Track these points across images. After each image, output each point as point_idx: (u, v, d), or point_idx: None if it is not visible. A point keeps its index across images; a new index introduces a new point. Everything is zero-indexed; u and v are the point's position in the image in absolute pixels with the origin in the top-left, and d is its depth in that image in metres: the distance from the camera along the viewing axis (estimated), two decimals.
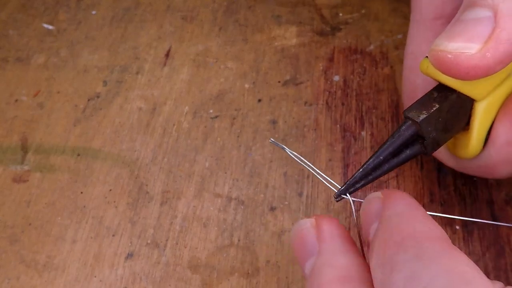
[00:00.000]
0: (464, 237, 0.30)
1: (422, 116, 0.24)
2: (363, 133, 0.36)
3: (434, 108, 0.24)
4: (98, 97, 0.41)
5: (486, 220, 0.30)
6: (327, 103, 0.38)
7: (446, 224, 0.31)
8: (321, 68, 0.40)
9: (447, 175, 0.33)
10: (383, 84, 0.38)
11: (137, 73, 0.42)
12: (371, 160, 0.24)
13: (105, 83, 0.41)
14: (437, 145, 0.26)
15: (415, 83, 0.29)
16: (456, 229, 0.31)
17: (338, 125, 0.36)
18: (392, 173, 0.33)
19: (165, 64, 0.42)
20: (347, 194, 0.24)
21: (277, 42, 0.42)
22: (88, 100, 0.40)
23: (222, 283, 0.30)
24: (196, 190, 0.34)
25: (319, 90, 0.39)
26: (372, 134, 0.36)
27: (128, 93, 0.40)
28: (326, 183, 0.25)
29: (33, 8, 0.48)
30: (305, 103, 0.38)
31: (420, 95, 0.27)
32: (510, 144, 0.26)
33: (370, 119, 0.36)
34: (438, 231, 0.20)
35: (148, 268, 0.31)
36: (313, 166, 0.26)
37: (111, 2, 0.47)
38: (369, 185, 0.30)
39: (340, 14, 0.43)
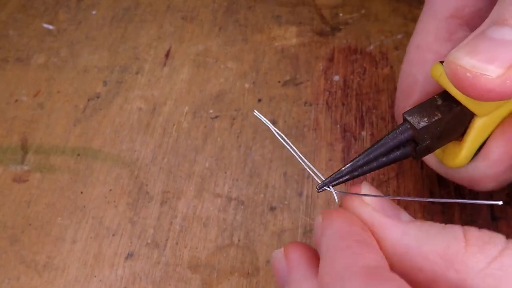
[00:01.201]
0: None
1: (422, 124, 0.24)
2: (363, 133, 0.36)
3: (436, 118, 0.24)
4: (98, 97, 0.41)
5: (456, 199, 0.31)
6: (327, 103, 0.38)
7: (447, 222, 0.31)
8: (321, 68, 0.40)
9: None
10: (383, 84, 0.38)
11: (137, 73, 0.42)
12: (361, 157, 0.24)
13: (105, 83, 0.41)
14: (428, 151, 0.25)
15: (415, 78, 0.29)
16: None
17: (338, 125, 0.36)
18: (392, 173, 0.33)
19: (165, 64, 0.42)
20: (330, 187, 0.24)
21: (277, 42, 0.42)
22: (88, 100, 0.40)
23: (222, 283, 0.30)
24: (196, 190, 0.34)
25: (319, 90, 0.39)
26: (372, 134, 0.36)
27: (128, 93, 0.40)
28: (311, 173, 0.25)
29: (33, 8, 0.48)
30: (305, 103, 0.38)
31: (417, 91, 0.27)
32: (501, 162, 0.26)
33: (370, 119, 0.36)
34: (368, 258, 0.20)
35: (148, 268, 0.31)
36: (299, 153, 0.26)
37: (111, 2, 0.47)
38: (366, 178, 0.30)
39: (340, 14, 0.43)
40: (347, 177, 0.24)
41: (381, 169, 0.34)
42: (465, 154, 0.26)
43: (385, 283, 0.19)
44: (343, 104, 0.37)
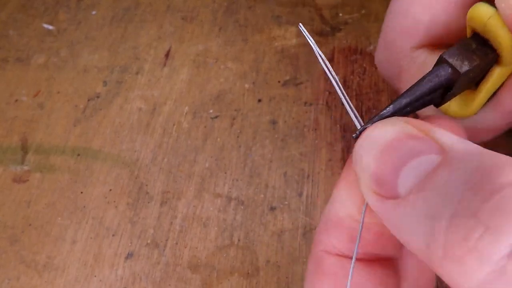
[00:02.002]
0: None
1: (465, 68, 0.22)
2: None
3: (476, 63, 0.22)
4: (98, 97, 0.41)
5: None
6: (327, 103, 0.38)
7: None
8: (321, 68, 0.40)
9: None
10: (383, 84, 0.38)
11: (137, 73, 0.42)
12: (403, 98, 0.21)
13: (105, 83, 0.41)
14: (449, 99, 0.24)
15: (418, 19, 0.26)
16: None
17: (338, 125, 0.36)
18: None
19: (165, 64, 0.42)
20: None
21: (277, 42, 0.42)
22: (88, 100, 0.40)
23: (222, 283, 0.30)
24: (196, 190, 0.34)
25: (319, 90, 0.39)
26: None
27: (128, 93, 0.40)
28: (352, 115, 0.22)
29: (33, 8, 0.48)
30: (305, 103, 0.38)
31: (422, 33, 0.25)
32: (510, 114, 0.25)
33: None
34: None
35: (148, 268, 0.31)
36: (342, 89, 0.22)
37: (111, 2, 0.47)
38: None
39: (340, 14, 0.43)
40: None
41: None
42: (478, 103, 0.25)
43: None
44: (343, 104, 0.37)
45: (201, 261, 0.31)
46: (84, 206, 0.35)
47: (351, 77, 0.39)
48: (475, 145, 0.16)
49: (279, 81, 0.40)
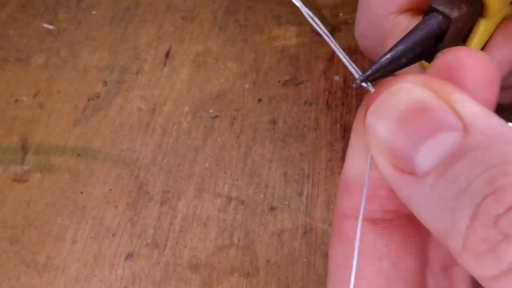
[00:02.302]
0: None
1: (455, 14, 0.22)
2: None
3: (464, 10, 0.23)
4: (98, 97, 0.41)
5: None
6: (327, 103, 0.38)
7: None
8: (321, 68, 0.40)
9: None
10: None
11: (137, 73, 0.42)
12: (400, 45, 0.21)
13: (105, 83, 0.41)
14: (438, 51, 0.24)
15: None
16: None
17: (338, 125, 0.36)
18: None
19: (165, 64, 0.42)
20: (368, 83, 0.20)
21: (277, 42, 0.42)
22: (88, 100, 0.40)
23: (222, 283, 0.30)
24: (196, 190, 0.34)
25: (319, 90, 0.39)
26: None
27: (128, 93, 0.40)
28: (349, 66, 0.22)
29: (33, 8, 0.48)
30: (305, 103, 0.38)
31: None
32: (502, 67, 0.25)
33: None
34: None
35: (148, 268, 0.31)
36: (336, 44, 0.22)
37: (111, 2, 0.47)
38: None
39: (340, 14, 0.43)
40: (383, 71, 0.20)
41: None
42: None
43: None
44: (343, 104, 0.37)
45: (201, 261, 0.31)
46: (84, 206, 0.35)
47: (351, 77, 0.39)
48: (498, 120, 0.15)
49: (279, 81, 0.40)
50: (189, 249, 0.32)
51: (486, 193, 0.14)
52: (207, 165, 0.36)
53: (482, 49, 0.26)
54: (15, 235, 0.34)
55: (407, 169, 0.16)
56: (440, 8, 0.22)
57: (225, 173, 0.35)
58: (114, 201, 0.35)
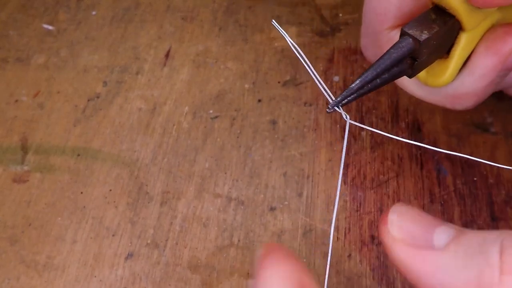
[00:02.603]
0: None
1: (424, 36, 0.24)
2: (363, 133, 0.36)
3: (435, 30, 0.24)
4: (98, 97, 0.41)
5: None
6: (327, 103, 0.38)
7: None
8: (321, 68, 0.40)
9: (447, 175, 0.33)
10: None
11: (137, 73, 0.42)
12: (369, 72, 0.24)
13: (105, 83, 0.41)
14: (421, 68, 0.26)
15: (390, 2, 0.28)
16: None
17: (338, 125, 0.36)
18: (392, 173, 0.33)
19: (165, 64, 0.42)
20: (340, 107, 0.24)
21: (277, 43, 0.42)
22: (88, 100, 0.40)
23: (222, 283, 0.30)
24: (196, 190, 0.35)
25: (319, 90, 0.39)
26: (372, 135, 0.36)
27: (128, 93, 0.40)
28: (323, 90, 0.25)
29: (33, 8, 0.48)
30: (305, 103, 0.38)
31: (393, 13, 0.27)
32: (486, 76, 0.26)
33: (370, 120, 0.36)
34: None
35: (148, 268, 0.31)
36: (311, 67, 0.25)
37: (111, 2, 0.47)
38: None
39: (340, 15, 0.43)
40: (356, 94, 0.24)
41: (380, 170, 0.34)
42: (452, 70, 0.26)
43: None
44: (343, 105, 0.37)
45: (201, 261, 0.31)
46: (84, 206, 0.35)
47: (351, 77, 0.39)
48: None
49: (279, 81, 0.40)
50: (189, 249, 0.32)
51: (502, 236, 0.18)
52: (207, 165, 0.36)
53: (467, 60, 0.27)
54: (15, 235, 0.34)
55: (426, 246, 0.20)
56: (410, 32, 0.24)
57: (225, 173, 0.35)
58: (114, 201, 0.35)
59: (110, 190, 0.35)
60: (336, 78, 0.39)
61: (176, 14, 0.46)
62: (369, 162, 0.34)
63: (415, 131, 0.35)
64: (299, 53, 0.25)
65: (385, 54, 0.24)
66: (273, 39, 0.42)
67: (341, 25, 0.42)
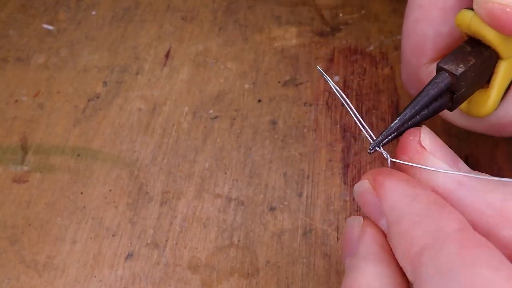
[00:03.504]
0: None
1: (460, 70, 0.24)
2: (363, 133, 0.36)
3: (471, 63, 0.24)
4: (98, 97, 0.41)
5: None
6: (327, 103, 0.38)
7: None
8: (321, 68, 0.40)
9: None
10: (383, 84, 0.38)
11: (137, 73, 0.42)
12: (407, 110, 0.24)
13: (105, 83, 0.41)
14: (461, 101, 0.25)
15: (424, 35, 0.28)
16: None
17: (338, 126, 0.36)
18: None
19: (165, 64, 0.42)
20: (381, 147, 0.24)
21: (277, 43, 0.42)
22: (88, 100, 0.40)
23: (222, 283, 0.30)
24: (196, 190, 0.34)
25: (319, 90, 0.39)
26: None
27: (128, 93, 0.40)
28: (364, 132, 0.25)
29: (33, 8, 0.48)
30: (305, 103, 0.38)
31: (430, 47, 0.27)
32: None
33: (370, 120, 0.36)
34: (451, 221, 0.19)
35: (148, 269, 0.31)
36: (356, 112, 0.25)
37: (111, 2, 0.47)
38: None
39: (340, 15, 0.43)
40: (396, 133, 0.24)
41: None
42: (494, 99, 0.26)
43: (480, 249, 0.17)
44: (343, 105, 0.37)
45: (201, 262, 0.31)
46: (84, 206, 0.35)
47: (351, 77, 0.39)
48: None
49: (279, 81, 0.40)
50: (189, 249, 0.32)
51: None
52: (207, 165, 0.36)
53: (508, 88, 0.27)
54: (15, 235, 0.34)
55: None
56: (446, 66, 0.24)
57: (225, 173, 0.35)
58: (114, 202, 0.35)
59: (110, 190, 0.35)
60: (336, 78, 0.39)
61: (176, 14, 0.46)
62: (369, 162, 0.34)
63: None
64: (343, 98, 0.25)
65: (422, 91, 0.24)
66: (273, 39, 0.42)
67: (341, 25, 0.42)
